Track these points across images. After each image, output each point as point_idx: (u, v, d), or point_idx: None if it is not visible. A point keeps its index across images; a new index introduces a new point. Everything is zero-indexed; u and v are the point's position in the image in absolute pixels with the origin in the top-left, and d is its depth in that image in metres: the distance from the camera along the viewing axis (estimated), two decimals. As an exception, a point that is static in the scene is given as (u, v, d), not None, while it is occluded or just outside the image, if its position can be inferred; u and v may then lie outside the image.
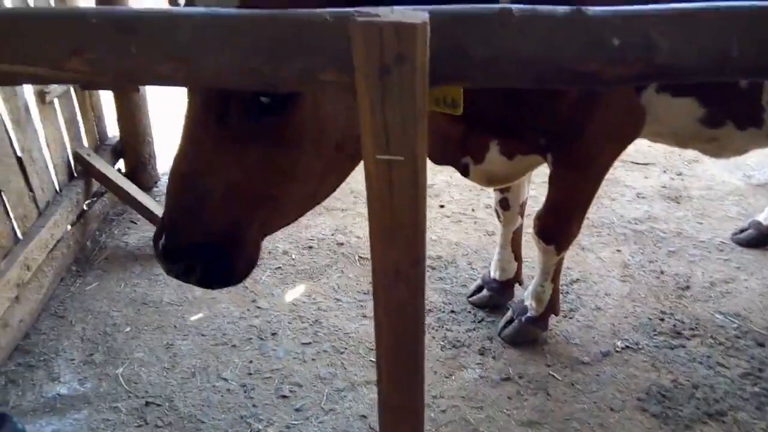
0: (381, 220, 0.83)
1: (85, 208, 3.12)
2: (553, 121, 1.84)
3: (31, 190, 2.69)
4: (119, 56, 0.77)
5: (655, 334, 2.62)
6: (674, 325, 2.66)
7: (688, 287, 2.90)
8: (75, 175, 3.10)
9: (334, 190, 1.55)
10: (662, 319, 2.70)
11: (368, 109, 0.74)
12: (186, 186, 1.29)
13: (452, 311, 2.75)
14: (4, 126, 2.48)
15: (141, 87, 3.23)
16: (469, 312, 2.74)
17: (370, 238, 0.93)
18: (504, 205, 2.52)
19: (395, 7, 0.73)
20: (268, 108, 1.20)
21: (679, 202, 3.59)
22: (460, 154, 2.08)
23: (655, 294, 2.85)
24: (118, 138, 3.46)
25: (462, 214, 3.51)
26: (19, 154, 2.60)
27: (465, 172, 2.12)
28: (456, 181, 3.77)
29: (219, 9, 0.79)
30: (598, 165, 1.97)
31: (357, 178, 3.84)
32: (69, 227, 2.94)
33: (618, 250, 3.16)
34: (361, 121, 0.77)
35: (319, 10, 0.79)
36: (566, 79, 0.81)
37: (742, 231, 3.20)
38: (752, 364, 2.46)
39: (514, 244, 2.65)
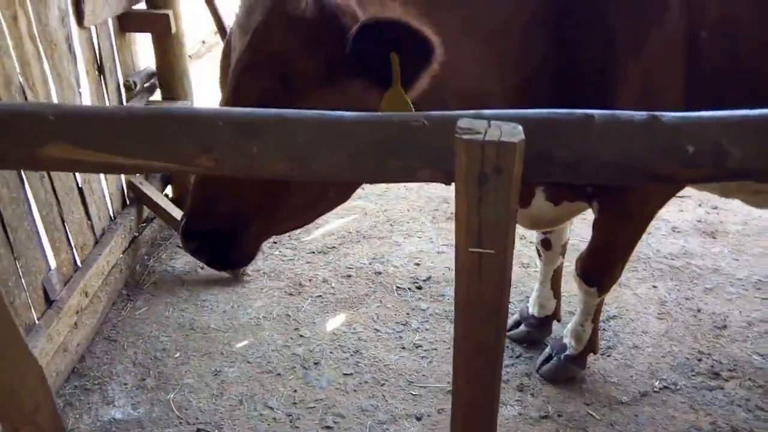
0: (468, 298, 0.91)
1: (136, 234, 3.26)
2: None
3: (89, 218, 2.82)
4: (242, 155, 0.87)
5: (692, 375, 2.64)
6: (712, 366, 2.68)
7: (725, 326, 2.91)
8: (128, 202, 3.24)
9: (335, 206, 1.68)
10: (700, 360, 2.72)
11: (464, 208, 0.82)
12: (204, 184, 1.53)
13: (490, 345, 2.80)
14: (69, 160, 2.62)
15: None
16: (507, 347, 2.79)
17: (456, 311, 1.00)
18: (546, 245, 2.58)
19: (492, 119, 0.82)
20: None
21: (715, 237, 3.60)
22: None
23: (692, 333, 2.87)
24: (165, 165, 3.60)
25: (497, 245, 3.57)
26: (80, 185, 2.74)
27: None
28: (490, 211, 3.83)
29: (329, 113, 0.88)
30: (644, 213, 2.03)
31: (395, 207, 3.98)
32: (122, 254, 3.07)
33: (654, 286, 3.19)
34: (456, 217, 0.85)
35: (417, 114, 0.88)
36: (643, 179, 0.88)
37: (779, 270, 3.20)
38: (793, 409, 2.47)
39: (553, 281, 2.70)
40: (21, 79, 2.23)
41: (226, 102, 1.46)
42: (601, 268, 2.22)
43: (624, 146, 0.87)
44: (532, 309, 2.77)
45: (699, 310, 3.01)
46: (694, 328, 2.90)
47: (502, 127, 0.80)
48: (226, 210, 1.53)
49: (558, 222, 2.22)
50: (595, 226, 2.14)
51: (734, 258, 3.41)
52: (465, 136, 0.77)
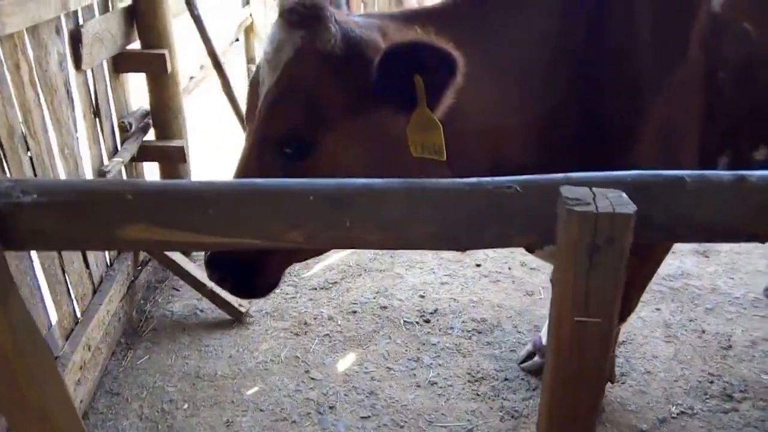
0: (566, 369, 0.89)
1: (133, 278, 3.15)
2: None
3: (87, 266, 2.71)
4: (334, 229, 0.84)
5: (706, 398, 2.67)
6: (724, 388, 2.72)
7: (730, 346, 2.97)
8: (123, 246, 3.13)
9: None
10: (711, 382, 2.76)
11: (571, 278, 0.81)
12: None
13: (506, 379, 2.78)
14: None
15: (188, 157, 3.29)
16: (523, 379, 2.78)
17: (551, 381, 0.98)
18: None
19: (585, 183, 0.81)
20: (291, 156, 1.45)
21: (708, 257, 3.69)
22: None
23: (700, 355, 2.92)
24: (159, 205, 3.51)
25: (499, 272, 3.58)
26: (78, 232, 2.64)
27: (530, 249, 2.19)
28: (488, 239, 3.84)
29: (420, 182, 0.86)
30: (660, 250, 2.06)
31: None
32: (120, 301, 2.96)
33: (658, 309, 3.23)
34: (560, 286, 0.84)
35: (507, 179, 0.86)
36: (739, 239, 0.89)
37: (774, 287, 3.29)
38: (807, 428, 2.51)
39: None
40: (23, 128, 2.14)
41: (254, 134, 1.51)
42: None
43: (716, 207, 0.87)
44: (546, 339, 2.76)
45: (703, 331, 3.06)
46: (702, 350, 2.94)
47: (608, 196, 0.79)
48: None
49: None
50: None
51: (729, 277, 3.50)
52: (577, 208, 0.76)
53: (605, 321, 0.83)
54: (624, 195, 0.80)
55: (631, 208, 0.76)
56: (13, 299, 0.85)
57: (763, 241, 0.89)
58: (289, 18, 1.46)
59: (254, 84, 1.58)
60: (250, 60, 6.56)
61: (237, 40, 6.08)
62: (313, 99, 1.45)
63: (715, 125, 1.78)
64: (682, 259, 3.65)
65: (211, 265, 1.62)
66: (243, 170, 1.53)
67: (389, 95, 1.41)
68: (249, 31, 6.31)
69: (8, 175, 2.06)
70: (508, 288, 3.44)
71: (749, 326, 3.09)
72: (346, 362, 2.90)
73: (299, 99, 1.45)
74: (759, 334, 3.04)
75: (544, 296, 3.34)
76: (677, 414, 2.59)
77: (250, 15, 6.16)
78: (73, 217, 0.82)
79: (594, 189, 0.81)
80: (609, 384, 2.63)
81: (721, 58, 1.72)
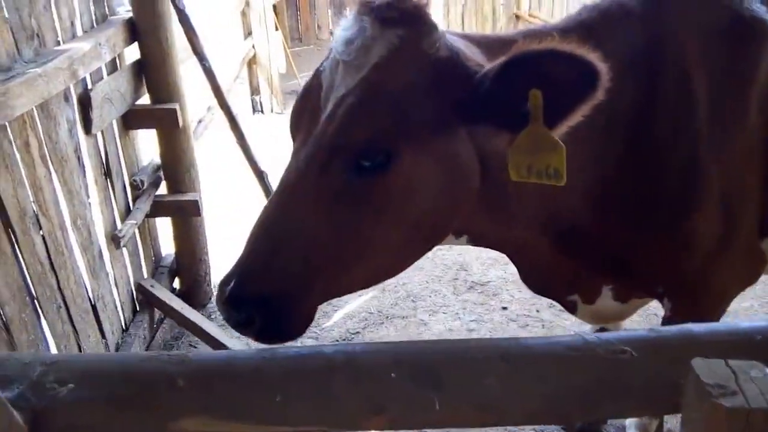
0: None
1: (149, 340, 3.02)
2: (675, 274, 1.80)
3: (103, 336, 2.59)
4: (422, 411, 0.72)
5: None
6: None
7: None
8: (138, 308, 3.01)
9: (399, 271, 1.51)
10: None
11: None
12: (268, 232, 1.31)
13: (545, 437, 2.65)
14: (81, 276, 2.42)
15: (202, 210, 3.18)
16: (564, 436, 2.64)
17: None
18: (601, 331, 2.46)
19: (732, 362, 0.68)
20: (367, 168, 1.27)
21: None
22: (567, 292, 2.03)
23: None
24: (173, 257, 3.40)
25: (527, 316, 3.45)
26: (93, 302, 2.52)
27: (572, 309, 2.07)
28: (512, 276, 3.72)
29: (517, 343, 0.74)
30: (723, 307, 1.94)
31: (413, 279, 3.74)
32: (137, 367, 2.83)
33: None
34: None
35: (618, 340, 0.74)
36: None
37: None
38: None
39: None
40: (35, 207, 2.03)
41: (322, 142, 1.29)
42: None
43: None
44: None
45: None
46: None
47: (752, 377, 0.67)
48: (290, 266, 1.28)
49: (624, 317, 2.12)
50: (665, 321, 2.03)
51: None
52: (724, 402, 0.63)
53: None
54: None
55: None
56: None
57: None
58: (385, 14, 1.30)
59: (309, 91, 1.39)
60: (254, 91, 6.48)
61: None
62: (405, 105, 1.29)
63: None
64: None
65: (236, 304, 1.28)
66: (293, 188, 1.30)
67: (494, 110, 1.27)
68: (252, 63, 6.22)
69: (20, 258, 1.94)
70: (538, 333, 3.30)
71: None
72: (375, 424, 2.77)
73: (389, 103, 1.28)
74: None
75: (576, 341, 3.20)
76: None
77: (253, 46, 6.07)
78: (119, 410, 0.70)
79: (731, 363, 0.69)
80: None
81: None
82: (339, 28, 1.38)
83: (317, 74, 1.41)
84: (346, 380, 0.72)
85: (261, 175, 3.17)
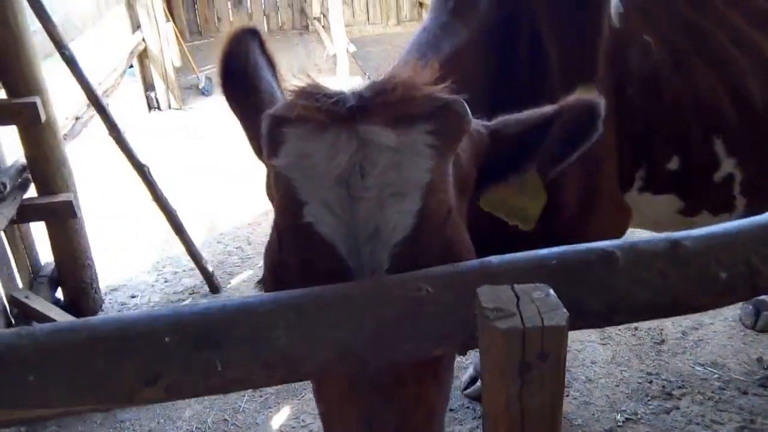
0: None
1: (27, 357, 2.77)
2: (553, 232, 1.85)
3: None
4: (203, 376, 0.65)
5: (648, 400, 2.67)
6: (663, 387, 2.73)
7: (663, 341, 3.00)
8: (12, 322, 2.75)
9: None
10: (650, 382, 2.77)
11: (504, 401, 0.66)
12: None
13: (450, 409, 2.66)
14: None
15: (79, 211, 2.96)
16: (468, 408, 2.67)
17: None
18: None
19: (517, 287, 0.67)
20: None
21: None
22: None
23: (636, 354, 2.93)
24: (53, 265, 3.14)
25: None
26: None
27: None
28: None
29: (312, 291, 0.69)
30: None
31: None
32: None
33: (590, 311, 3.23)
34: (491, 409, 0.69)
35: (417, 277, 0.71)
36: (678, 312, 0.78)
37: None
38: (743, 416, 2.55)
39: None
40: None
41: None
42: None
43: (655, 287, 0.75)
44: (486, 363, 2.67)
45: (636, 328, 3.08)
46: (637, 348, 2.96)
47: (534, 298, 0.65)
48: None
49: None
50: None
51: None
52: (499, 324, 0.61)
53: (546, 439, 0.70)
54: (552, 293, 0.66)
55: (562, 314, 0.63)
56: None
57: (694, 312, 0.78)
58: (406, 113, 0.98)
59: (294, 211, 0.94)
60: (148, 87, 6.15)
61: (131, 66, 5.67)
62: (459, 183, 1.10)
63: (628, 141, 1.73)
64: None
65: None
66: None
67: (501, 170, 1.19)
68: (143, 56, 5.90)
69: None
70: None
71: (678, 318, 3.15)
72: (280, 418, 2.68)
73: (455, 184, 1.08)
74: (687, 323, 3.10)
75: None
76: (623, 421, 2.57)
77: (143, 39, 5.75)
78: None
79: (516, 288, 0.67)
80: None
81: (627, 73, 1.67)
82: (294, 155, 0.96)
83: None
84: (113, 351, 0.64)
85: (141, 168, 2.98)
